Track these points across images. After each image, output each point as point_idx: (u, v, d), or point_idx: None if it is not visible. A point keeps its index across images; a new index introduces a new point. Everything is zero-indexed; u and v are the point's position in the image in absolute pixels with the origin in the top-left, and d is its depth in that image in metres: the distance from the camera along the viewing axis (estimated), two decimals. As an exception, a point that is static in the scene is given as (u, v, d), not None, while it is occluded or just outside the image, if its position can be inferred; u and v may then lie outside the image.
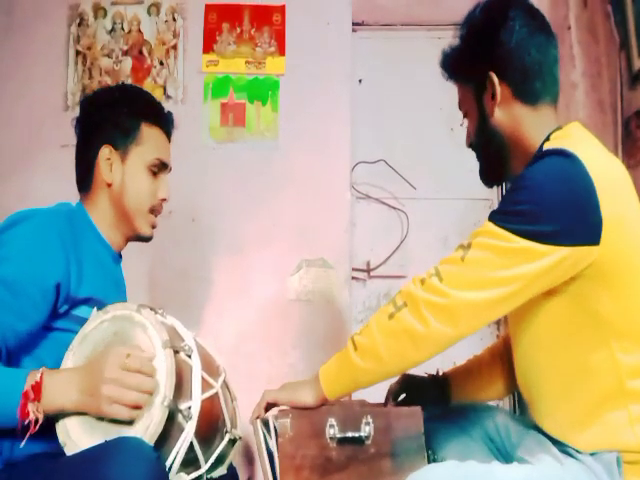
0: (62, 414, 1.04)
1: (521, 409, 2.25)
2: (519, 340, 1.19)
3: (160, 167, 1.36)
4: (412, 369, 1.13)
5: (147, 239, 1.38)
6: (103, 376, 0.99)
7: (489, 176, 1.26)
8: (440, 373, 1.48)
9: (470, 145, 1.25)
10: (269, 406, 1.22)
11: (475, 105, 1.19)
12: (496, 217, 1.03)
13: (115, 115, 1.32)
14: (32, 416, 0.98)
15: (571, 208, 0.98)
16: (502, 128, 1.15)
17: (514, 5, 1.16)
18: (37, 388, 1.00)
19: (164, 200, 1.38)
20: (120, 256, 1.41)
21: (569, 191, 0.98)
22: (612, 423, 1.04)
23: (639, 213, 1.06)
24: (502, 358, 1.39)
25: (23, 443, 0.99)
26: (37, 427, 0.99)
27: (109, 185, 1.31)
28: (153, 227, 1.38)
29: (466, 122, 1.26)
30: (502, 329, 2.41)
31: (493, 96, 1.14)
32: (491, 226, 1.03)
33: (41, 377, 1.01)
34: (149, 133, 1.34)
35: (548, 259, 0.98)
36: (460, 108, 1.26)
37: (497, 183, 1.30)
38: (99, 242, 1.32)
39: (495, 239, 1.01)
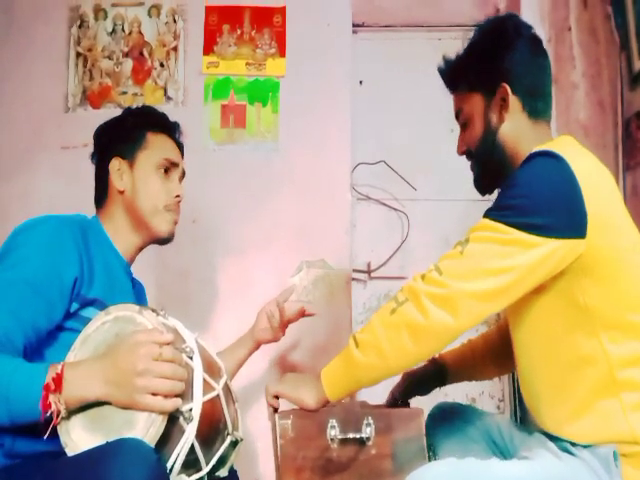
0: (63, 415, 1.04)
1: (522, 415, 2.25)
2: (517, 340, 1.22)
3: (169, 166, 1.40)
4: (415, 365, 1.13)
5: (167, 239, 1.41)
6: (136, 369, 1.00)
7: (485, 185, 1.30)
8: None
9: (467, 153, 1.29)
10: (276, 397, 1.23)
11: (482, 113, 1.23)
12: (491, 213, 1.09)
13: (121, 130, 1.39)
14: (54, 407, 0.99)
15: (558, 203, 1.05)
16: (506, 138, 1.20)
17: (525, 28, 1.25)
18: (58, 380, 1.00)
19: (178, 197, 1.41)
20: (131, 271, 1.43)
21: (556, 188, 1.06)
22: (606, 413, 1.08)
23: (623, 212, 1.12)
24: (494, 344, 1.43)
25: (47, 435, 1.00)
26: (59, 419, 1.00)
27: (122, 192, 1.36)
28: (175, 223, 1.41)
29: (457, 131, 1.31)
30: (503, 330, 2.41)
31: (503, 105, 1.20)
32: (486, 221, 1.09)
33: (62, 369, 1.01)
34: (155, 139, 1.40)
35: (540, 250, 1.03)
36: (457, 117, 1.31)
37: (490, 191, 1.32)
38: (111, 252, 1.36)
39: (491, 232, 1.06)
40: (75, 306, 1.20)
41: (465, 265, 1.06)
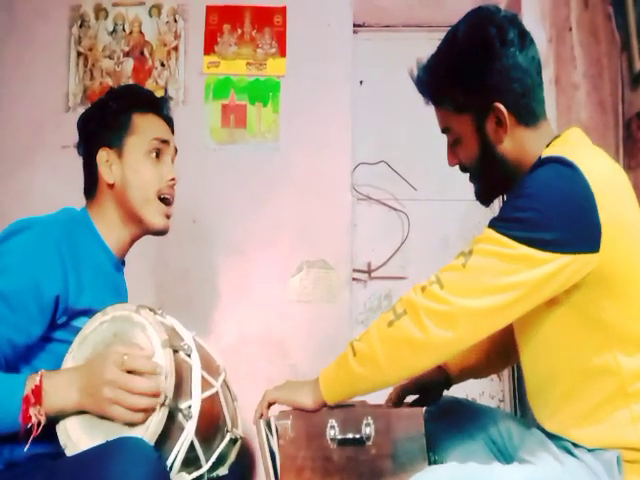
0: (62, 416, 1.04)
1: (522, 410, 2.25)
2: (525, 348, 1.19)
3: (160, 147, 1.32)
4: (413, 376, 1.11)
5: (162, 232, 1.34)
6: (103, 378, 1.00)
7: (488, 197, 1.25)
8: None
9: (462, 168, 1.23)
10: (270, 405, 1.22)
11: (475, 134, 1.15)
12: (497, 224, 1.03)
13: (105, 117, 1.31)
14: (34, 420, 0.98)
15: (570, 216, 0.98)
16: (507, 153, 1.13)
17: (510, 29, 1.11)
18: (37, 392, 1.00)
19: (173, 181, 1.33)
20: (123, 263, 1.39)
21: (568, 200, 0.99)
22: (614, 421, 1.05)
23: (638, 217, 1.06)
24: (496, 338, 1.36)
25: (27, 447, 0.99)
26: (39, 430, 0.99)
27: (111, 186, 1.29)
28: (167, 217, 1.33)
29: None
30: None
31: (499, 125, 1.12)
32: (492, 233, 1.02)
33: (40, 380, 1.01)
34: (142, 120, 1.32)
35: (549, 266, 0.98)
36: (444, 132, 1.23)
37: (492, 202, 1.27)
38: (101, 249, 1.30)
39: (496, 245, 1.01)
40: (64, 319, 1.16)
41: (467, 280, 1.01)
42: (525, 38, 1.11)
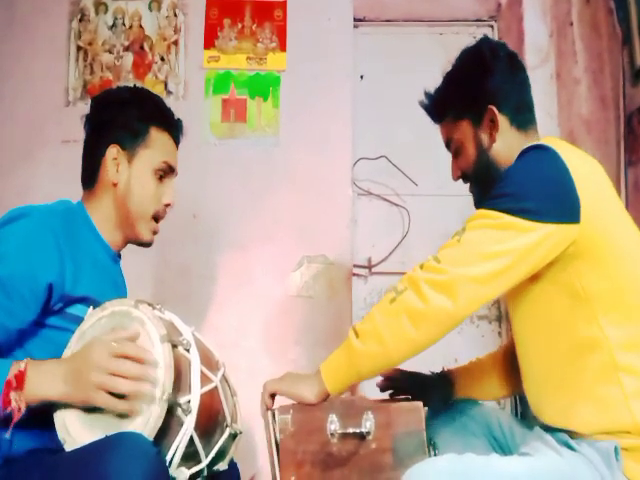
0: (61, 410, 1.04)
1: (523, 411, 2.25)
2: (518, 332, 1.24)
3: (167, 171, 1.35)
4: (416, 355, 1.12)
5: (147, 245, 1.37)
6: (91, 362, 1.00)
7: None
8: (444, 369, 1.51)
9: (463, 177, 1.34)
10: (273, 396, 1.22)
11: (473, 138, 1.27)
12: (486, 203, 1.13)
13: (125, 116, 1.31)
14: (14, 404, 0.98)
15: (550, 189, 1.09)
16: (499, 156, 1.25)
17: (501, 48, 1.31)
18: (20, 377, 1.00)
19: (168, 205, 1.36)
20: (119, 255, 1.39)
21: (548, 175, 1.10)
22: (607, 400, 1.09)
23: (615, 199, 1.16)
24: (501, 365, 1.45)
25: (9, 433, 0.99)
26: (20, 416, 0.99)
27: (114, 185, 1.30)
28: (154, 233, 1.37)
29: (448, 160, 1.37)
30: (503, 326, 2.41)
31: (492, 127, 1.24)
32: (481, 211, 1.12)
33: (25, 367, 1.01)
34: (158, 137, 1.33)
35: (534, 235, 1.06)
36: (448, 146, 1.35)
37: None
38: (97, 241, 1.31)
39: (486, 219, 1.10)
40: (59, 305, 1.17)
41: (462, 252, 1.08)
42: (514, 60, 1.29)
